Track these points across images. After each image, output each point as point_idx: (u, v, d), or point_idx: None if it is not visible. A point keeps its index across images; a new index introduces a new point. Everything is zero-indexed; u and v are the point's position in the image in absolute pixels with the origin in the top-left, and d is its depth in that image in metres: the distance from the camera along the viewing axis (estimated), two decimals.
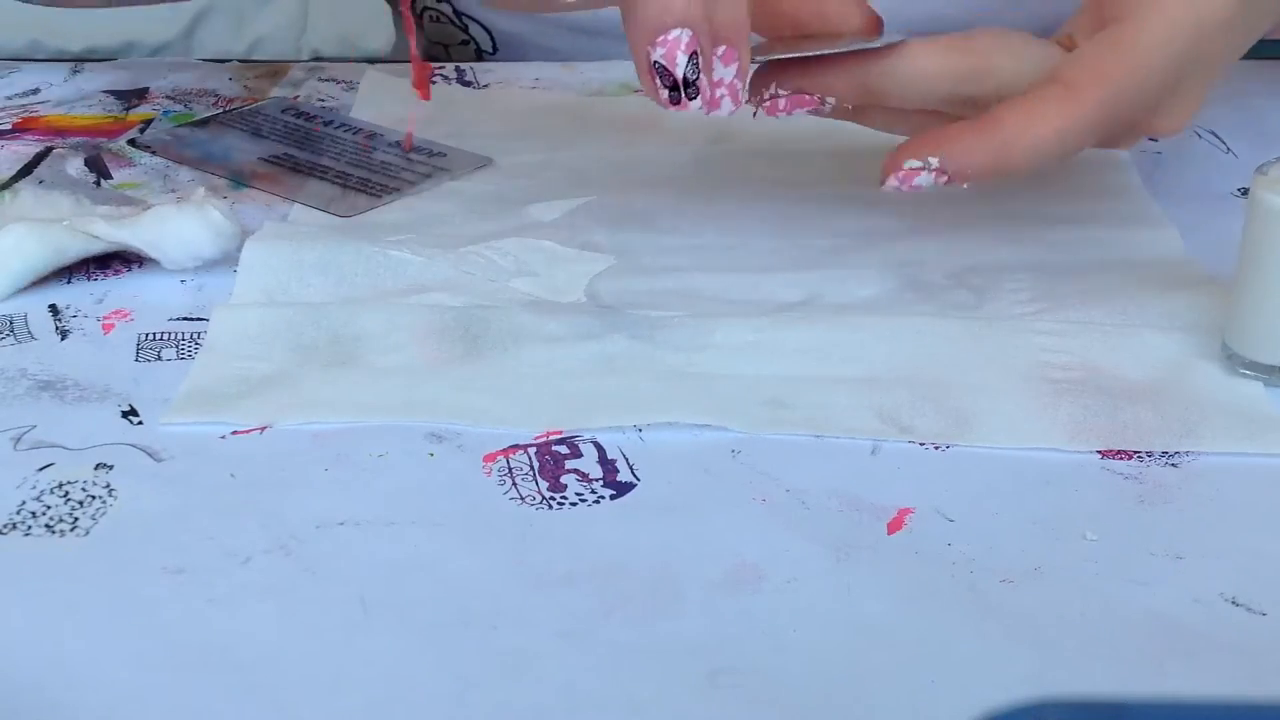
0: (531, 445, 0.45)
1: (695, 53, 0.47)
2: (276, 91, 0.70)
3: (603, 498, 0.43)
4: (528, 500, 0.43)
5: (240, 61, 0.74)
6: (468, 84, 0.71)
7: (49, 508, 0.43)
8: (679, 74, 0.47)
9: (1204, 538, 0.42)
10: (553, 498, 0.43)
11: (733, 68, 0.48)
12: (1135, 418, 0.46)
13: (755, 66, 0.50)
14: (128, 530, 0.42)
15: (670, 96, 0.48)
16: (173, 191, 0.60)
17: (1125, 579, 0.40)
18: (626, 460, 0.45)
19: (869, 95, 0.51)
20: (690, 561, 0.41)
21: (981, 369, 0.49)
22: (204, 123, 0.65)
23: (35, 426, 0.46)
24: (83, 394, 0.48)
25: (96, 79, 0.71)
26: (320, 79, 0.71)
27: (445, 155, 0.63)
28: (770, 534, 0.42)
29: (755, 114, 0.51)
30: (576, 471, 0.44)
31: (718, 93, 0.48)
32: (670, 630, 0.38)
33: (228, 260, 0.54)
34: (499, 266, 0.54)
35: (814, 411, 0.47)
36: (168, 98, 0.69)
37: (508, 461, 0.45)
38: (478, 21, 0.78)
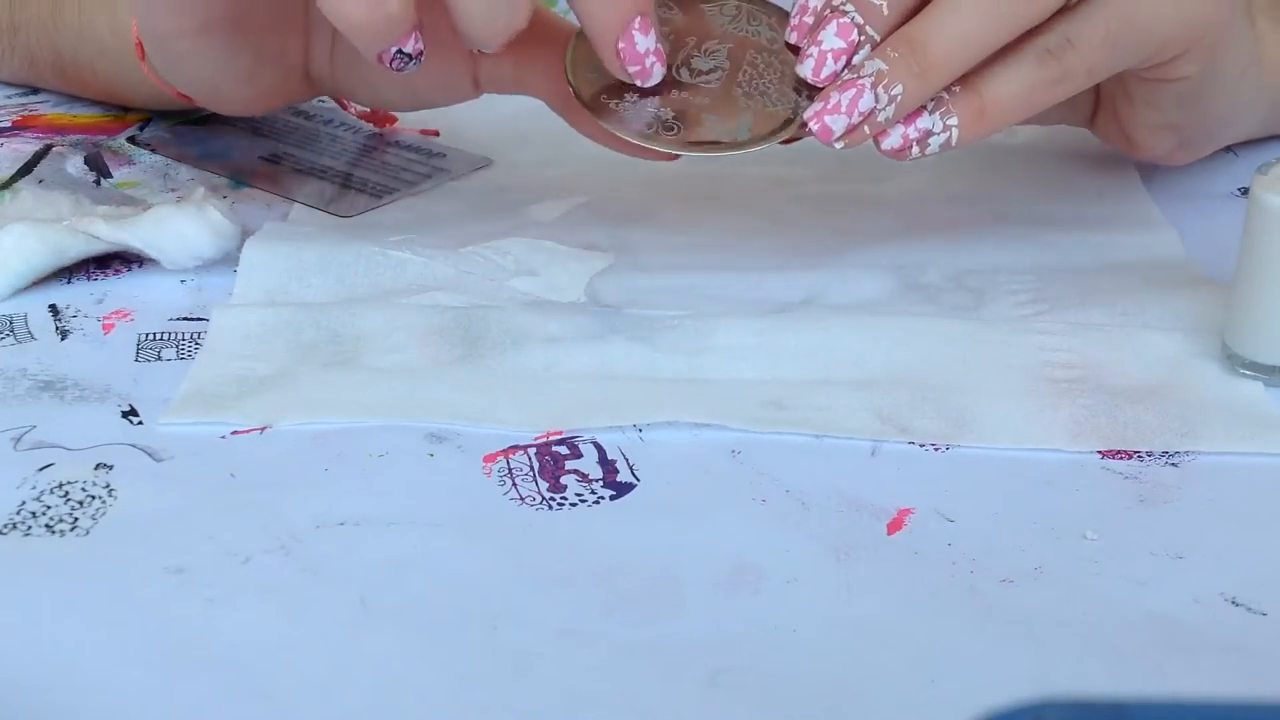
0: (531, 446, 0.45)
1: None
2: None
3: (603, 498, 0.43)
4: (528, 501, 0.43)
5: None
6: None
7: (49, 508, 0.43)
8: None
9: (1204, 538, 0.42)
10: (553, 498, 0.43)
11: (651, 34, 0.48)
12: (1135, 418, 0.46)
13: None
14: (128, 530, 0.42)
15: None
16: (172, 190, 0.60)
17: (1125, 579, 0.40)
18: (626, 460, 0.45)
19: None
20: (690, 561, 0.41)
21: (981, 369, 0.49)
22: (204, 120, 0.65)
23: (35, 426, 0.46)
24: (83, 394, 0.48)
25: None
26: None
27: (445, 155, 0.63)
28: (770, 534, 0.42)
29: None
30: (576, 472, 0.44)
31: (647, 62, 0.49)
32: (670, 630, 0.38)
33: (228, 260, 0.54)
34: (499, 266, 0.54)
35: (814, 412, 0.47)
36: None
37: (508, 462, 0.45)
38: None
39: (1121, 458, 0.45)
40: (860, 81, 0.47)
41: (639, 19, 0.48)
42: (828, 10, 0.48)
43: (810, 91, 0.49)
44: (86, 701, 0.36)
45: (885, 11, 0.48)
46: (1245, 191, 0.58)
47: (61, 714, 0.36)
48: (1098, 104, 0.57)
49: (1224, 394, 0.48)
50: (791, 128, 0.49)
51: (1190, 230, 0.58)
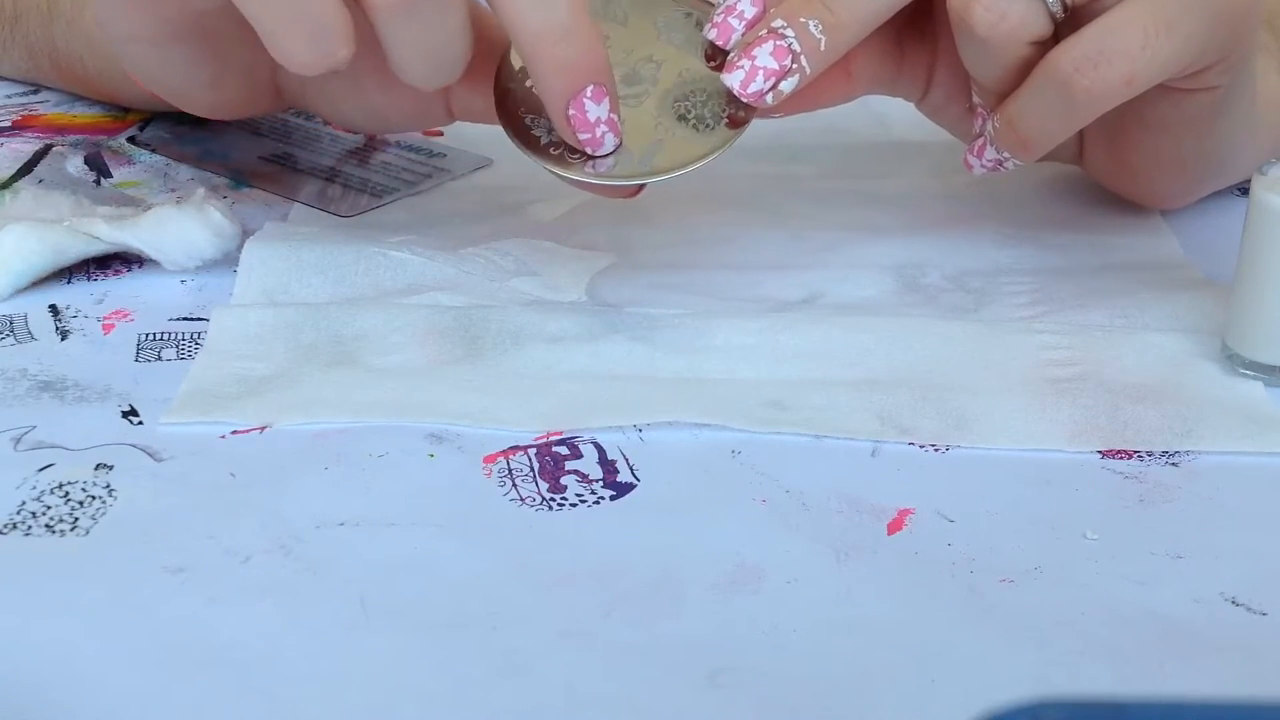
0: (531, 446, 0.45)
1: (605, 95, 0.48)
2: None
3: (603, 498, 0.43)
4: (528, 501, 0.43)
5: None
6: None
7: (49, 508, 0.43)
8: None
9: (1204, 538, 0.42)
10: (553, 499, 0.43)
11: (604, 104, 0.47)
12: (1135, 418, 0.46)
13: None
14: (128, 530, 0.42)
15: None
16: (172, 190, 0.60)
17: (1125, 579, 0.40)
18: (626, 461, 0.45)
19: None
20: (690, 562, 0.41)
21: (982, 370, 0.49)
22: (204, 120, 0.65)
23: (35, 427, 0.46)
24: (83, 394, 0.48)
25: None
26: None
27: (445, 155, 0.63)
28: (770, 534, 0.42)
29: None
30: (576, 472, 0.44)
31: (598, 131, 0.48)
32: (670, 630, 0.38)
33: (228, 260, 0.54)
34: (499, 266, 0.54)
35: (814, 413, 0.47)
36: None
37: (508, 463, 0.45)
38: None
39: (1121, 457, 0.45)
40: (781, 34, 0.48)
41: (592, 87, 0.47)
42: (765, 31, 0.48)
43: (737, 110, 0.49)
44: (86, 701, 0.36)
45: (822, 48, 0.48)
46: (1245, 192, 0.58)
47: (61, 714, 0.36)
48: (1083, 140, 0.56)
49: (1224, 394, 0.48)
50: (704, 160, 0.49)
51: (1190, 230, 0.58)
